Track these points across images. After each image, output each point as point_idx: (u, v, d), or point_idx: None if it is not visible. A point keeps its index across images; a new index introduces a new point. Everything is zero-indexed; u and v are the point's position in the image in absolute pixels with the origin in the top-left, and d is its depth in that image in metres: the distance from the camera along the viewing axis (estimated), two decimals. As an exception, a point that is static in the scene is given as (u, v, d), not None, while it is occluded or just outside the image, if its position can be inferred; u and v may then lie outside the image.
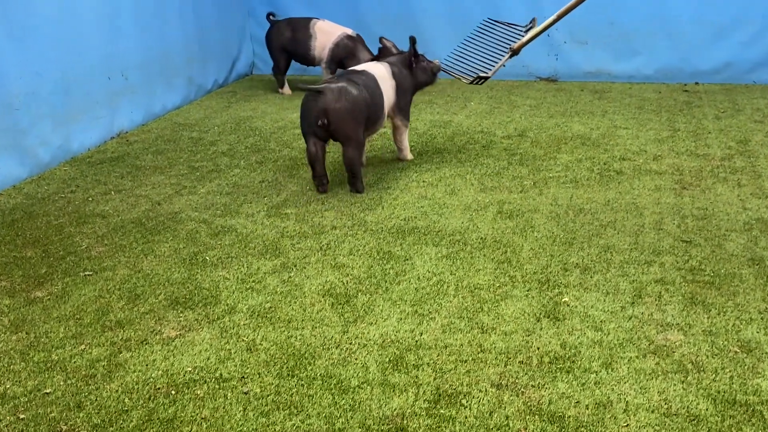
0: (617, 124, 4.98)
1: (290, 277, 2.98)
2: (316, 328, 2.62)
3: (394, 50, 4.46)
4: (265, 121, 5.33)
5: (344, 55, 5.81)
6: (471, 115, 5.38)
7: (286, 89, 6.19)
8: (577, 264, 3.01)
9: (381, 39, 4.52)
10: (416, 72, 4.33)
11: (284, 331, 2.61)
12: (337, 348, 2.50)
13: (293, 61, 6.15)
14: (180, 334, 2.60)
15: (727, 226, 3.30)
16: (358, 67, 4.11)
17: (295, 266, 3.07)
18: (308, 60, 6.03)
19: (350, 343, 2.52)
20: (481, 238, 3.27)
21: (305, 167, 4.26)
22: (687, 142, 4.50)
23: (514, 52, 4.46)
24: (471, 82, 4.38)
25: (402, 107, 4.26)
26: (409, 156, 4.44)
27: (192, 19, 5.93)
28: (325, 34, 5.91)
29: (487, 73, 4.51)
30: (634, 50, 6.15)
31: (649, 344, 2.46)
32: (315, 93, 3.78)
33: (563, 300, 2.74)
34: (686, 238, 3.20)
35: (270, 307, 2.76)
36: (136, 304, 2.81)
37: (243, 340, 2.56)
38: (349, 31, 5.92)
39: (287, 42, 5.99)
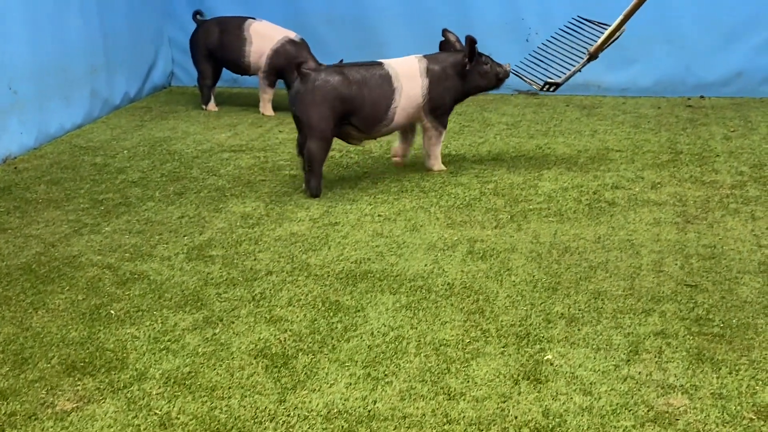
0: (609, 146, 5.07)
1: (215, 334, 2.95)
2: (246, 396, 2.59)
3: (457, 45, 4.67)
4: (187, 143, 5.32)
5: (284, 64, 5.83)
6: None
7: (212, 105, 6.18)
8: (562, 314, 3.03)
9: (444, 31, 4.74)
10: (471, 75, 4.58)
11: (207, 401, 2.57)
12: (271, 421, 2.48)
13: (224, 70, 6.17)
14: (77, 407, 2.55)
15: (739, 267, 3.37)
16: (378, 60, 4.49)
17: (221, 321, 3.04)
18: (241, 68, 6.04)
19: (288, 415, 2.50)
20: (448, 284, 3.29)
21: (235, 199, 4.26)
22: (691, 167, 4.60)
23: (592, 56, 4.70)
24: (541, 89, 4.74)
25: (435, 110, 4.54)
26: (436, 167, 4.67)
27: (96, 19, 5.92)
28: (263, 38, 5.94)
29: (558, 78, 4.73)
30: (628, 58, 6.29)
31: (648, 410, 2.49)
32: (300, 77, 4.25)
33: (546, 358, 2.76)
34: (691, 282, 3.25)
35: (189, 372, 2.73)
36: (23, 369, 2.75)
37: (155, 413, 2.52)
38: (292, 35, 5.95)
39: (216, 46, 6.00)
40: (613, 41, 4.70)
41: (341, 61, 4.51)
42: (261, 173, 4.68)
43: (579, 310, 3.05)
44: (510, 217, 3.98)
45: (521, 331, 2.93)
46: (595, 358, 2.75)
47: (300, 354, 2.81)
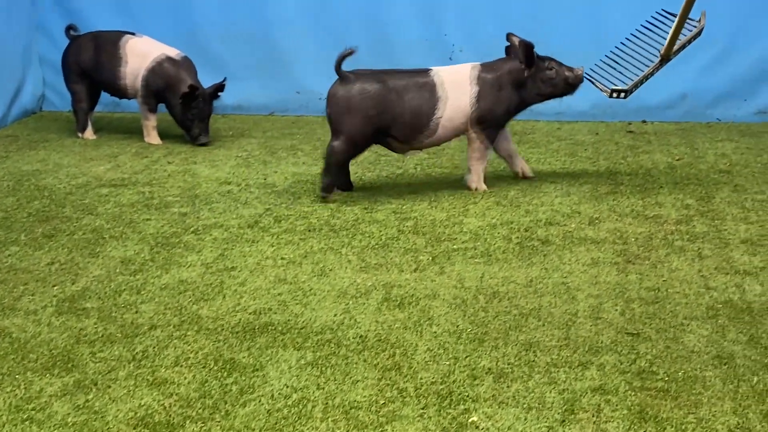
0: (542, 177, 5.14)
1: (87, 401, 2.88)
2: (123, 474, 2.52)
3: None
4: (59, 177, 5.22)
5: (163, 85, 5.78)
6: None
7: (89, 132, 6.09)
8: (489, 369, 3.04)
9: (508, 35, 4.89)
10: (532, 83, 4.80)
11: (76, 480, 2.50)
12: (153, 502, 2.41)
13: (102, 93, 6.09)
14: None
15: (685, 312, 3.43)
16: (428, 67, 4.81)
17: (96, 385, 2.97)
18: (118, 90, 5.98)
19: (173, 495, 2.44)
20: (361, 337, 3.27)
21: (114, 241, 4.19)
22: (633, 200, 4.68)
23: (664, 59, 4.81)
24: (610, 96, 4.86)
25: (482, 120, 4.77)
26: (474, 185, 4.83)
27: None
28: (139, 57, 5.88)
29: (625, 85, 4.83)
30: (563, 79, 6.42)
31: (586, 477, 2.50)
32: (339, 79, 4.71)
33: (471, 420, 2.75)
34: (632, 330, 3.29)
35: (57, 447, 2.65)
36: None
37: (14, 496, 2.44)
38: (172, 52, 5.90)
39: (90, 65, 5.93)
40: (692, 40, 4.82)
41: (348, 49, 4.70)
42: (146, 211, 4.61)
43: (508, 364, 3.06)
44: (431, 258, 3.99)
45: (443, 389, 2.92)
46: (526, 419, 2.75)
47: (188, 422, 2.75)
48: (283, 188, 4.99)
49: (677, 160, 5.44)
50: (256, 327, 3.36)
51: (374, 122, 4.66)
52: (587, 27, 6.38)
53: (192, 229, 4.36)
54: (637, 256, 3.97)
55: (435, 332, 3.30)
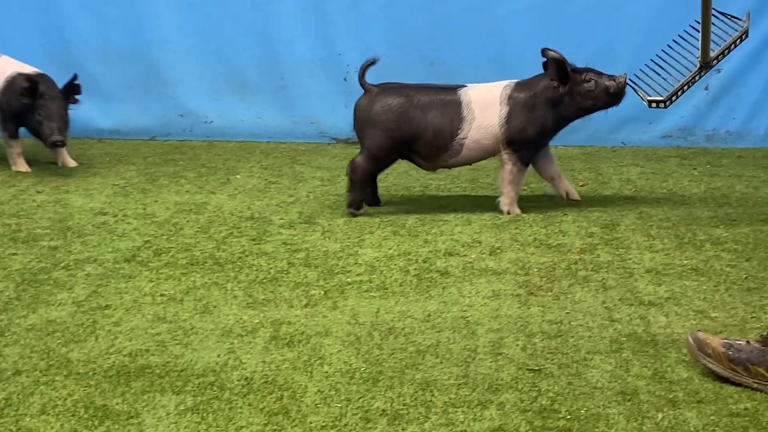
0: (442, 204, 5.20)
1: (-58, 455, 2.78)
2: None
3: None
4: None
5: (20, 107, 5.64)
6: (237, 193, 5.41)
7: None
8: (383, 410, 3.03)
9: (543, 51, 4.88)
10: (570, 99, 4.86)
11: None
12: None
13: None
14: None
15: (588, 346, 3.47)
16: (459, 84, 4.94)
17: (-48, 438, 2.87)
18: None
19: None
20: (246, 379, 3.23)
21: (-24, 279, 4.08)
22: (535, 229, 4.75)
23: (704, 66, 4.76)
24: (649, 106, 4.85)
25: (513, 142, 4.85)
26: (506, 208, 4.88)
27: None
28: None
29: (660, 95, 4.81)
30: (462, 100, 6.50)
31: None
32: (364, 92, 4.95)
33: (364, 466, 2.74)
34: (534, 366, 3.32)
35: None
36: None
37: None
38: (27, 69, 5.76)
39: None
40: (736, 43, 4.81)
41: (369, 60, 4.98)
42: (11, 245, 4.50)
43: (404, 405, 3.06)
44: (324, 292, 3.97)
45: (334, 433, 2.90)
46: (422, 464, 2.75)
47: (54, 476, 2.68)
48: (164, 219, 4.93)
49: (581, 185, 5.54)
50: (132, 370, 3.29)
51: (395, 137, 4.86)
52: (488, 46, 6.47)
53: (63, 264, 4.26)
54: (540, 287, 4.02)
55: (326, 372, 3.28)
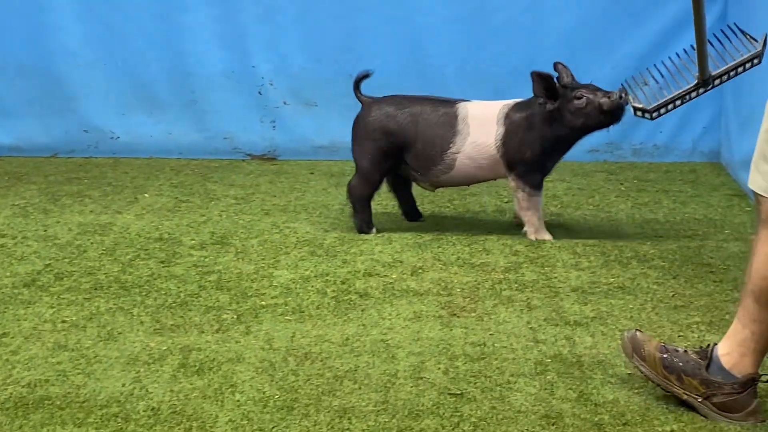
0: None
1: None
2: None
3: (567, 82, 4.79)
4: None
5: None
6: (144, 213, 5.35)
7: None
8: (299, 440, 3.02)
9: (555, 65, 4.83)
10: (562, 116, 4.75)
11: None
12: None
13: None
14: None
15: (512, 368, 3.49)
16: (460, 99, 4.96)
17: None
18: None
19: None
20: (153, 409, 3.19)
21: None
22: (459, 247, 4.77)
23: (701, 83, 4.57)
24: (634, 113, 4.64)
25: (513, 165, 4.82)
26: (532, 236, 4.84)
27: None
28: None
29: (648, 104, 4.60)
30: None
31: None
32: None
33: (277, 499, 2.72)
34: (456, 390, 3.33)
35: None
36: None
37: None
38: None
39: None
40: (744, 66, 4.58)
41: (363, 72, 5.02)
42: None
43: (320, 434, 3.05)
44: (237, 317, 3.94)
45: (246, 465, 2.88)
46: (338, 495, 2.74)
47: None
48: (66, 241, 4.85)
49: (506, 202, 5.58)
50: (30, 402, 3.23)
51: (384, 147, 4.89)
52: (408, 57, 6.49)
53: (-43, 289, 4.18)
54: (463, 308, 4.03)
55: (238, 401, 3.26)
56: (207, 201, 5.62)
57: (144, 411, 3.19)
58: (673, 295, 4.15)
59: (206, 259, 4.61)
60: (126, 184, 5.97)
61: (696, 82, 4.56)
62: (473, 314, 3.97)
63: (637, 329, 3.33)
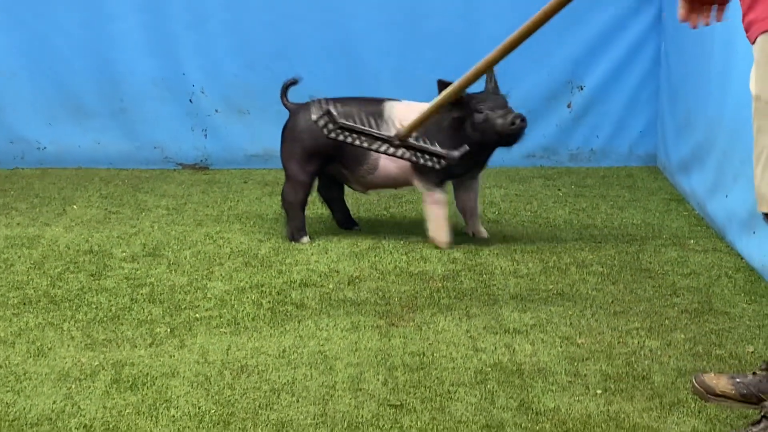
0: (297, 233, 5.18)
1: None
2: None
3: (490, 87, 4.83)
4: None
5: None
6: (74, 225, 5.30)
7: None
8: (236, 455, 3.01)
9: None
10: (463, 127, 4.75)
11: None
12: None
13: None
14: None
15: (452, 378, 3.51)
16: (390, 98, 4.98)
17: None
18: None
19: None
20: (85, 426, 3.16)
21: None
22: (396, 256, 4.78)
23: (396, 141, 4.33)
24: (318, 119, 4.42)
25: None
26: (432, 237, 4.85)
27: None
28: None
29: (336, 119, 4.36)
30: (317, 121, 6.52)
31: None
32: None
33: None
34: (395, 401, 3.34)
35: None
36: None
37: None
38: None
39: None
40: (432, 156, 4.41)
41: (291, 79, 5.08)
42: None
43: (258, 449, 3.04)
44: (170, 330, 3.92)
45: (182, 482, 2.86)
46: None
47: None
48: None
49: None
50: (-42, 422, 3.19)
51: (310, 151, 4.92)
52: (341, 63, 6.50)
53: None
54: (401, 317, 4.04)
55: (173, 416, 3.23)
56: (138, 212, 5.58)
57: (76, 428, 3.15)
58: (612, 301, 4.20)
59: (138, 272, 4.57)
60: (54, 196, 5.90)
61: (393, 135, 4.36)
62: (412, 324, 3.98)
63: (702, 373, 3.35)
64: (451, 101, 4.27)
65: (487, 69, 4.10)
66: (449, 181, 4.98)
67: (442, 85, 4.49)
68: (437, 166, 4.45)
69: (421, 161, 4.43)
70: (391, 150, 4.40)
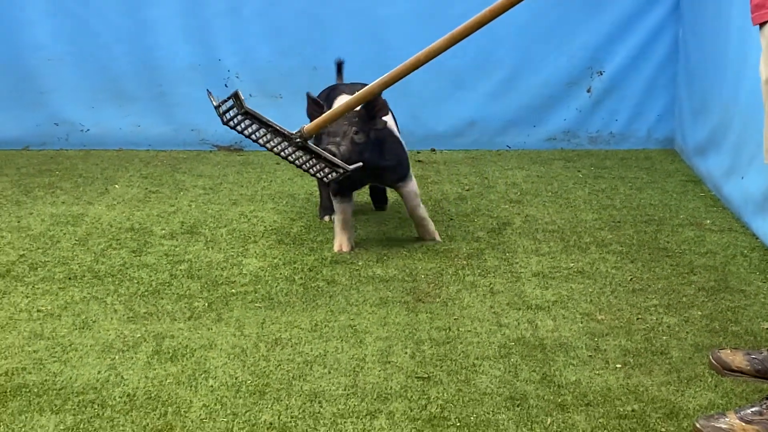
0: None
1: None
2: None
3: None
4: None
5: None
6: (115, 204, 5.32)
7: None
8: (271, 423, 3.02)
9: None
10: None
11: None
12: None
13: None
14: None
15: (477, 352, 3.51)
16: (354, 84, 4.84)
17: None
18: None
19: None
20: (128, 395, 3.19)
21: None
22: (415, 234, 4.77)
23: (297, 140, 4.14)
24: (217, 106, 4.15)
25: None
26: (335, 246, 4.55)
27: None
28: None
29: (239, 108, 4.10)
30: (346, 106, 6.51)
31: None
32: None
33: (252, 482, 2.72)
34: (423, 373, 3.34)
35: None
36: None
37: None
38: None
39: None
40: (328, 165, 4.19)
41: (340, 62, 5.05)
42: None
43: (292, 417, 3.05)
44: (208, 304, 3.94)
45: (221, 449, 2.88)
46: (311, 477, 2.74)
47: (-75, 505, 2.60)
48: (39, 231, 4.82)
49: (467, 190, 5.59)
50: (8, 390, 3.21)
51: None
52: (370, 49, 6.47)
53: None
54: (428, 293, 4.04)
55: (211, 386, 3.25)
56: (176, 191, 5.60)
57: (120, 397, 3.18)
58: (631, 279, 4.19)
59: (177, 249, 4.59)
60: (97, 176, 5.93)
61: (296, 133, 4.14)
62: (438, 300, 3.99)
63: (719, 349, 3.36)
64: (362, 103, 4.21)
65: (409, 70, 4.22)
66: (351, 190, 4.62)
67: (308, 99, 4.50)
68: (326, 179, 4.22)
69: (312, 171, 4.20)
70: (287, 151, 4.16)
